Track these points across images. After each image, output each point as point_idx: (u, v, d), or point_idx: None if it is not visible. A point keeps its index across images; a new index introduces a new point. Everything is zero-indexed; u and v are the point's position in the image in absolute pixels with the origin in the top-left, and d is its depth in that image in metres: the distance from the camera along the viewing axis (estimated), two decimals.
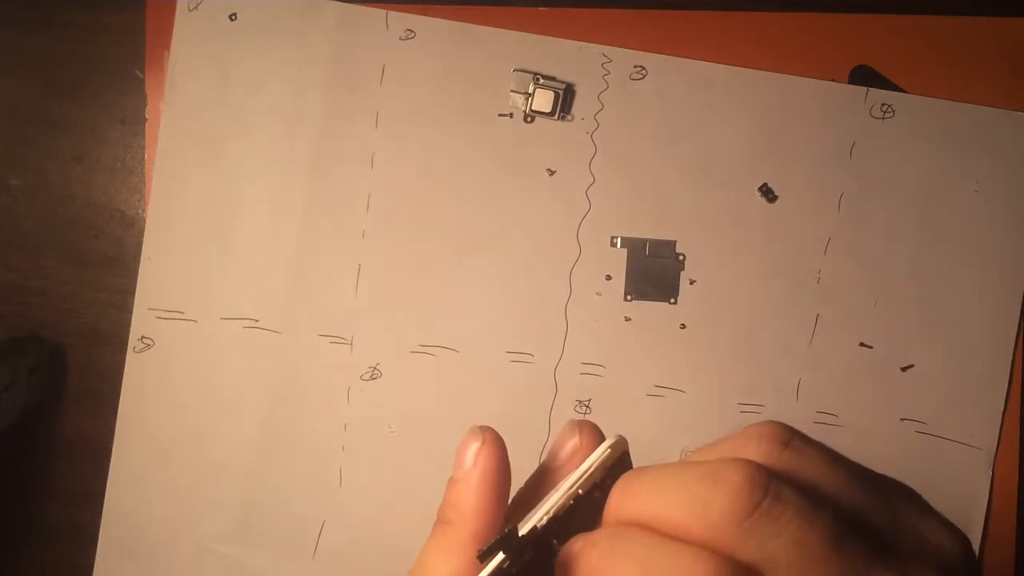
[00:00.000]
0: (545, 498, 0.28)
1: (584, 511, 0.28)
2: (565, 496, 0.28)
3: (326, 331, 0.60)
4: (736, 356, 0.60)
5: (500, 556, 0.26)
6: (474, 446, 0.30)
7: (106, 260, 0.61)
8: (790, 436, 0.25)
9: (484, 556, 0.26)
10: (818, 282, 0.60)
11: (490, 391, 0.60)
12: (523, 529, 0.27)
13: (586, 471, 0.28)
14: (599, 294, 0.60)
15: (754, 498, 0.23)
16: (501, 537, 0.26)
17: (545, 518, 0.27)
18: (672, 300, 0.60)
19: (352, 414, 0.60)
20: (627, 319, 0.60)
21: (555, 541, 0.27)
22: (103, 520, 0.60)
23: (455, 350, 0.60)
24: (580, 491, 0.28)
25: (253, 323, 0.60)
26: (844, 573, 0.22)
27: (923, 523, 0.25)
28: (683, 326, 0.60)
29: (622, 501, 0.26)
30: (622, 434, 0.29)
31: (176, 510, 0.60)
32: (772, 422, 0.25)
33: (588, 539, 0.26)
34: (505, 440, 0.61)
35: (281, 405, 0.60)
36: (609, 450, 0.28)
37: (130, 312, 0.60)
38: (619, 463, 0.29)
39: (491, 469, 0.30)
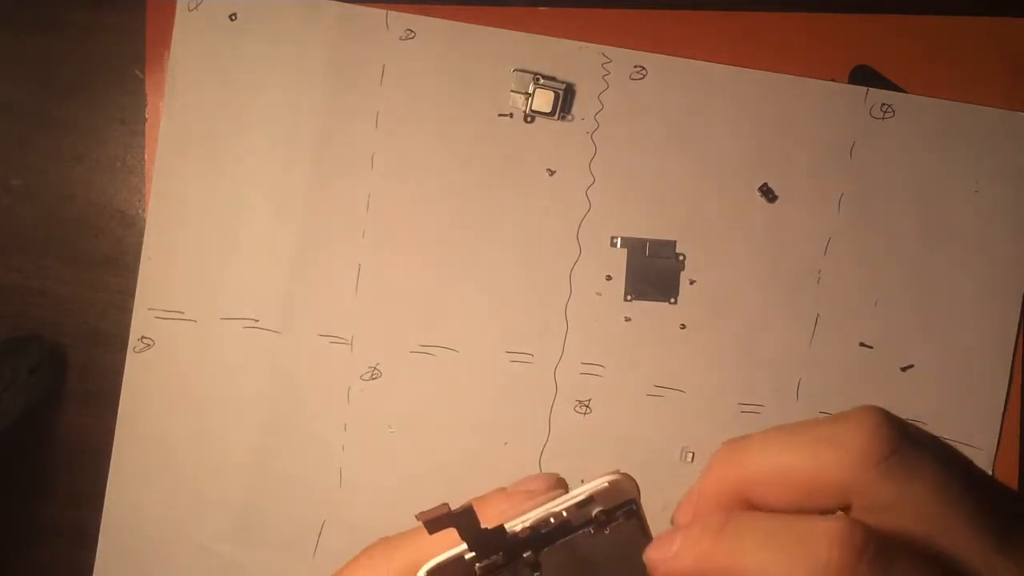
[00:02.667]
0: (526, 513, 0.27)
1: (568, 541, 0.26)
2: (546, 512, 0.26)
3: (326, 331, 0.60)
4: (736, 356, 0.60)
5: (464, 547, 0.25)
6: None
7: (106, 260, 0.61)
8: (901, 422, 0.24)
9: (432, 526, 0.25)
10: (818, 282, 0.60)
11: (490, 391, 0.60)
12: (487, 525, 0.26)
13: (576, 495, 0.27)
14: (599, 294, 0.60)
15: (893, 438, 0.22)
16: (456, 512, 0.25)
17: (519, 525, 0.26)
18: (672, 300, 0.60)
19: (352, 414, 0.60)
20: (627, 319, 0.60)
21: (527, 553, 0.26)
22: (103, 520, 0.60)
23: (455, 350, 0.60)
24: (563, 512, 0.26)
25: (253, 323, 0.60)
26: (985, 523, 0.21)
27: None
28: (683, 326, 0.60)
29: (726, 471, 0.24)
30: (635, 480, 0.27)
31: (176, 510, 0.60)
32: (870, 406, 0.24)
33: (685, 534, 0.24)
34: (504, 440, 0.61)
35: (281, 405, 0.60)
36: (607, 484, 0.27)
37: (130, 312, 0.60)
38: (622, 507, 0.27)
39: None
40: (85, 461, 0.60)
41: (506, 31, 0.60)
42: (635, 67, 0.60)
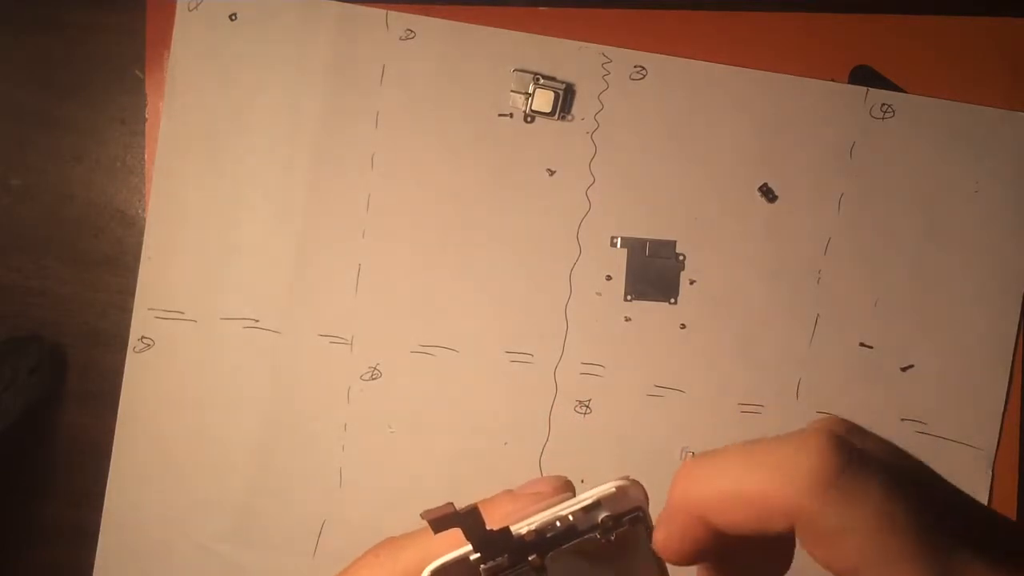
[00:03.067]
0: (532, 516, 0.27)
1: (574, 546, 0.26)
2: (552, 515, 0.26)
3: (326, 331, 0.60)
4: (736, 356, 0.60)
5: (469, 548, 0.25)
6: None
7: (106, 260, 0.61)
8: (851, 426, 0.24)
9: (437, 525, 0.24)
10: (818, 282, 0.60)
11: (490, 391, 0.60)
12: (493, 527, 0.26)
13: (583, 499, 0.26)
14: (599, 294, 0.60)
15: (838, 464, 0.22)
16: (462, 512, 0.25)
17: (525, 528, 0.26)
18: (672, 300, 0.60)
19: (352, 414, 0.60)
20: (627, 319, 0.60)
21: (532, 556, 0.26)
22: (103, 520, 0.60)
23: (455, 350, 0.60)
24: (570, 516, 0.26)
25: (253, 323, 0.60)
26: (925, 554, 0.21)
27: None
28: (683, 326, 0.60)
29: (687, 487, 0.25)
30: (643, 488, 0.27)
31: (176, 509, 0.60)
32: (831, 417, 0.24)
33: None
34: (504, 440, 0.61)
35: (281, 405, 0.60)
36: (614, 490, 0.27)
37: (130, 312, 0.60)
38: (629, 514, 0.27)
39: None
40: (85, 461, 0.60)
41: (506, 31, 0.60)
42: (635, 67, 0.60)
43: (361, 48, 0.60)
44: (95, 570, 0.60)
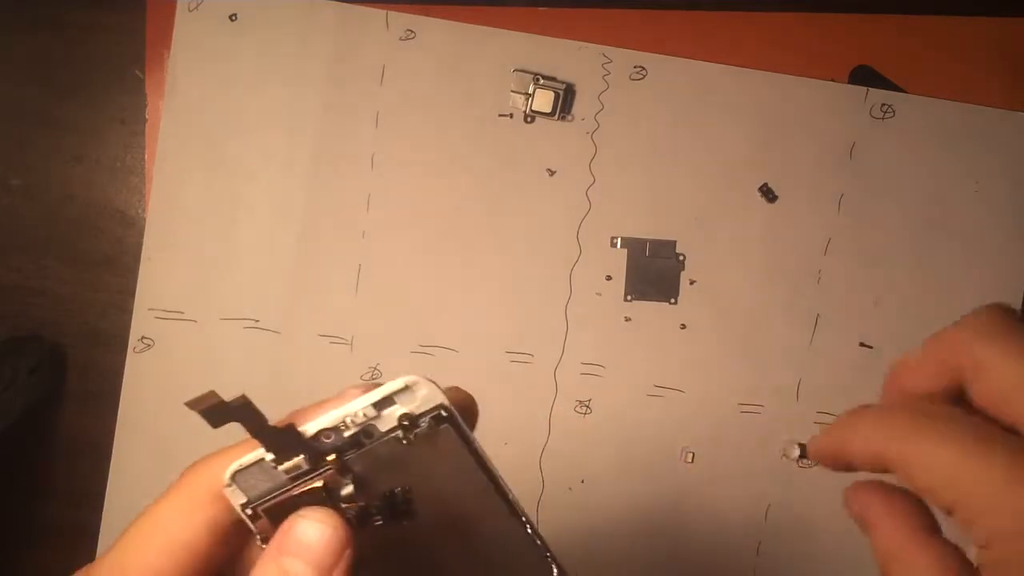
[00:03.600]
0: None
1: (376, 447, 0.25)
2: (342, 413, 0.25)
3: (326, 331, 0.60)
4: (736, 356, 0.60)
5: (263, 451, 0.25)
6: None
7: (106, 260, 0.61)
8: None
9: (209, 417, 0.23)
10: (818, 282, 0.60)
11: (490, 391, 0.60)
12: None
13: (372, 395, 0.25)
14: (599, 294, 0.60)
15: (996, 316, 0.26)
16: (233, 403, 0.24)
17: (316, 428, 0.25)
18: (672, 300, 0.60)
19: None
20: (627, 319, 0.60)
21: (332, 457, 0.25)
22: (103, 520, 0.60)
23: (455, 350, 0.60)
24: (361, 413, 0.25)
25: (253, 323, 0.60)
26: (961, 441, 0.23)
27: None
28: (683, 326, 0.60)
29: (890, 369, 0.28)
30: (441, 388, 0.26)
31: None
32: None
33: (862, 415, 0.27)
34: (504, 440, 0.61)
35: (281, 406, 0.60)
36: (404, 385, 0.26)
37: (130, 312, 0.60)
38: (430, 412, 0.26)
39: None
40: (85, 461, 0.60)
41: (506, 31, 0.60)
42: (635, 67, 0.60)
43: (361, 48, 0.60)
44: None
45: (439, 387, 0.26)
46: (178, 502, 0.27)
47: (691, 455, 0.60)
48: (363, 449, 0.26)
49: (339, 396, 0.27)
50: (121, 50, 0.60)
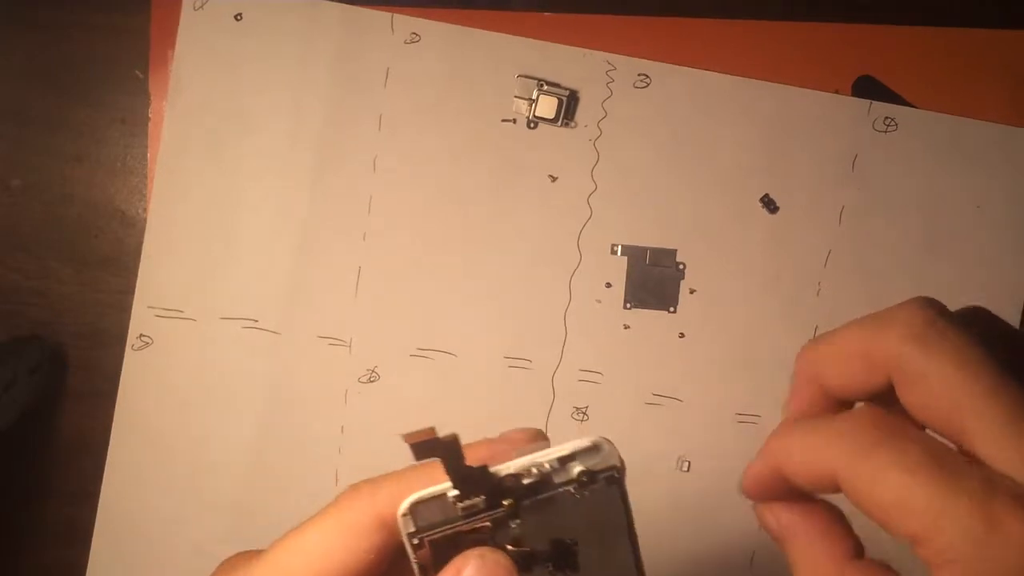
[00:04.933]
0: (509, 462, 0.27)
1: (549, 497, 0.27)
2: (530, 461, 0.27)
3: (325, 333, 0.60)
4: (734, 366, 0.60)
5: (447, 485, 0.26)
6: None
7: (106, 260, 0.61)
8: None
9: (419, 451, 0.25)
10: (818, 294, 0.60)
11: (487, 396, 0.60)
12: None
13: (560, 449, 0.27)
14: (599, 301, 0.60)
15: (930, 315, 0.25)
16: (444, 440, 0.25)
17: (504, 470, 0.26)
18: (671, 309, 0.60)
19: (349, 416, 0.61)
20: (626, 327, 0.60)
21: (507, 501, 0.26)
22: (98, 518, 0.60)
23: (453, 354, 0.60)
24: (547, 464, 0.27)
25: (252, 323, 0.60)
26: (999, 400, 0.23)
27: None
28: (682, 335, 0.60)
29: (805, 352, 0.27)
30: (619, 452, 0.28)
31: (172, 509, 0.61)
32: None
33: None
34: None
35: (279, 406, 0.60)
36: (589, 443, 0.27)
37: (130, 312, 0.60)
38: (605, 472, 0.27)
39: None
40: (85, 461, 0.60)
41: (511, 36, 0.59)
42: (639, 75, 0.60)
43: (365, 50, 0.60)
44: (88, 568, 0.60)
45: (617, 450, 0.27)
46: (340, 525, 0.28)
47: (687, 464, 0.61)
48: (538, 497, 0.27)
49: (504, 439, 0.28)
50: (122, 50, 0.60)
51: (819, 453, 0.25)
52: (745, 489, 0.27)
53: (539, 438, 0.29)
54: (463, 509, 0.26)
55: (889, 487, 0.23)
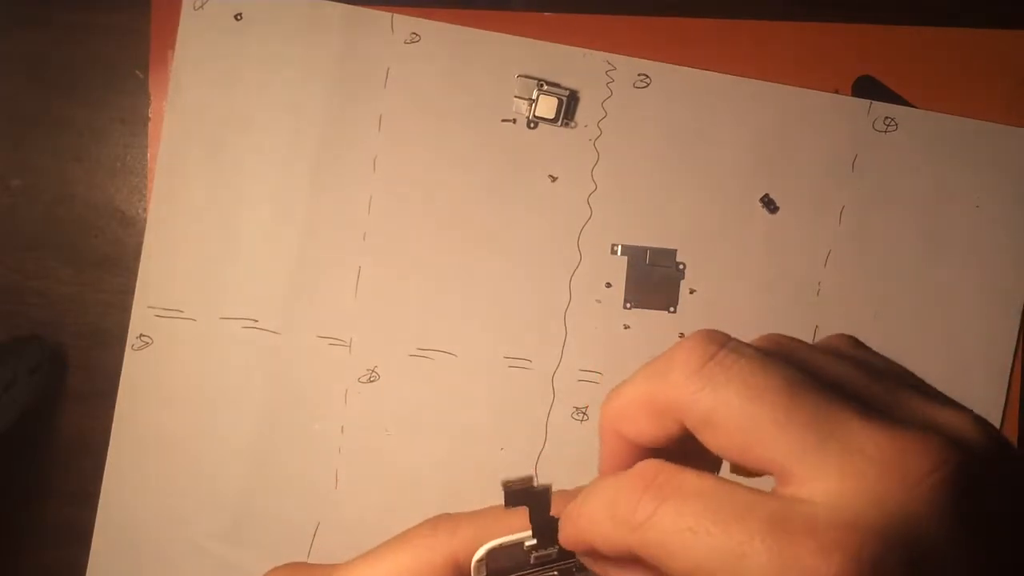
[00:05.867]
0: None
1: None
2: None
3: (325, 332, 0.60)
4: None
5: (526, 535, 0.26)
6: None
7: (106, 260, 0.61)
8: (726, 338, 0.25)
9: (512, 498, 0.25)
10: (818, 294, 0.60)
11: (487, 396, 0.60)
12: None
13: None
14: (599, 301, 0.60)
15: (709, 349, 0.23)
16: (537, 489, 0.25)
17: None
18: (671, 309, 0.60)
19: (349, 416, 0.61)
20: (626, 327, 0.60)
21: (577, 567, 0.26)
22: (97, 517, 0.60)
23: (453, 354, 0.61)
24: None
25: (252, 323, 0.60)
26: (792, 431, 0.21)
27: (923, 401, 0.23)
28: (682, 335, 0.60)
29: (604, 405, 0.26)
30: None
31: (171, 508, 0.61)
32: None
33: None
34: (500, 445, 0.62)
35: (278, 406, 0.61)
36: None
37: (130, 311, 0.60)
38: None
39: None
40: (85, 461, 0.60)
41: (511, 36, 0.59)
42: (639, 75, 0.60)
43: (366, 50, 0.60)
44: (88, 567, 0.60)
45: None
46: (416, 562, 0.27)
47: None
48: None
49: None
50: (122, 50, 0.60)
51: (657, 395, 0.23)
52: (562, 543, 0.26)
53: None
54: (536, 558, 0.26)
55: (743, 421, 0.22)
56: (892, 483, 0.20)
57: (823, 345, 0.25)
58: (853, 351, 0.25)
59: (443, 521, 0.28)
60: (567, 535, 0.25)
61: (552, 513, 0.26)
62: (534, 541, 0.26)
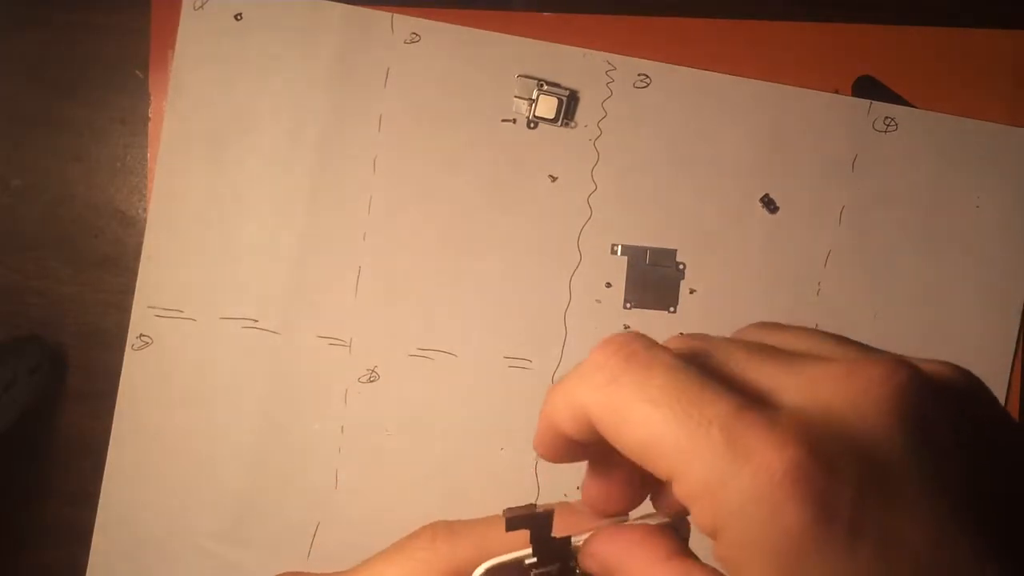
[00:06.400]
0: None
1: None
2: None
3: (325, 332, 0.60)
4: None
5: (526, 552, 0.26)
6: None
7: (106, 260, 0.61)
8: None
9: (512, 524, 0.25)
10: (817, 294, 0.60)
11: (487, 396, 0.60)
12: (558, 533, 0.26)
13: (635, 523, 0.27)
14: (598, 301, 0.60)
15: (624, 353, 0.23)
16: (539, 514, 0.25)
17: (583, 540, 0.26)
18: (671, 309, 0.60)
19: (349, 416, 0.61)
20: (626, 327, 0.60)
21: (579, 571, 0.26)
22: (98, 517, 0.60)
23: (453, 354, 0.61)
24: None
25: (252, 323, 0.60)
26: (672, 393, 0.21)
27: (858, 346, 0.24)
28: (682, 335, 0.60)
29: (548, 394, 0.25)
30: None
31: (171, 508, 0.61)
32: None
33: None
34: (500, 445, 0.61)
35: (278, 406, 0.61)
36: (668, 520, 0.27)
37: (130, 312, 0.60)
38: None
39: None
40: (85, 461, 0.60)
41: (511, 36, 0.59)
42: (639, 75, 0.60)
43: (366, 50, 0.60)
44: (89, 567, 0.60)
45: (689, 528, 0.27)
46: (415, 571, 0.27)
47: None
48: None
49: (584, 509, 0.28)
50: (122, 50, 0.60)
51: (574, 393, 0.23)
52: (534, 446, 0.26)
53: (619, 503, 0.28)
54: (535, 575, 0.26)
55: (636, 424, 0.21)
56: (848, 392, 0.21)
57: (735, 337, 0.26)
58: (767, 333, 0.26)
59: (443, 529, 0.28)
60: (538, 428, 0.25)
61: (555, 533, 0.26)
62: (534, 559, 0.26)
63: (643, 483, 0.26)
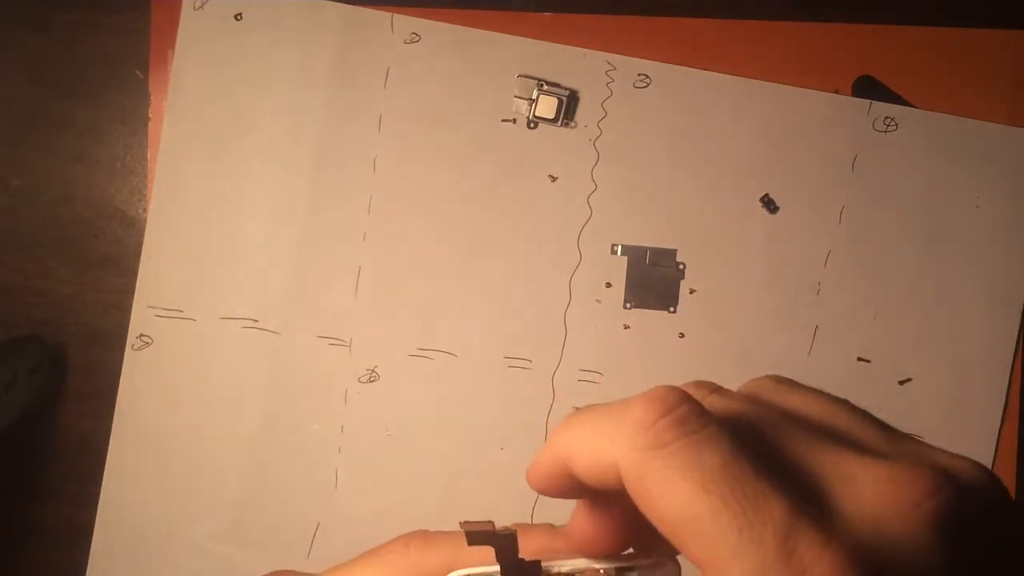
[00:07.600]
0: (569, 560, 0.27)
1: None
2: (586, 565, 0.26)
3: (325, 332, 0.60)
4: (734, 366, 0.60)
5: (496, 569, 0.25)
6: None
7: (106, 260, 0.61)
8: (712, 386, 0.24)
9: (473, 539, 0.25)
10: (817, 294, 0.60)
11: (487, 396, 0.60)
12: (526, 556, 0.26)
13: (620, 561, 0.26)
14: (599, 301, 0.60)
15: (663, 412, 0.21)
16: (500, 533, 0.25)
17: (556, 568, 0.26)
18: (671, 309, 0.60)
19: (349, 416, 0.61)
20: (626, 327, 0.60)
21: None
22: (98, 517, 0.60)
23: (453, 354, 0.60)
24: (601, 571, 0.26)
25: (252, 323, 0.60)
26: (727, 523, 0.20)
27: (917, 444, 0.23)
28: (682, 335, 0.60)
29: (559, 429, 0.24)
30: (681, 569, 0.27)
31: (171, 508, 0.61)
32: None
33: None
34: (500, 445, 0.62)
35: (278, 406, 0.61)
36: (652, 562, 0.26)
37: (130, 312, 0.60)
38: None
39: None
40: (85, 461, 0.60)
41: (511, 36, 0.59)
42: (639, 75, 0.60)
43: (366, 50, 0.60)
44: (89, 567, 0.60)
45: (680, 570, 0.26)
46: (385, 574, 0.27)
47: None
48: None
49: (565, 534, 0.27)
50: (122, 50, 0.60)
51: (604, 441, 0.22)
52: (528, 479, 0.25)
53: (604, 544, 0.27)
54: None
55: (678, 502, 0.20)
56: (898, 505, 0.20)
57: (755, 394, 0.25)
58: (789, 396, 0.25)
59: (416, 539, 0.27)
60: (540, 459, 0.24)
61: (524, 554, 0.25)
62: None
63: (638, 530, 0.25)
